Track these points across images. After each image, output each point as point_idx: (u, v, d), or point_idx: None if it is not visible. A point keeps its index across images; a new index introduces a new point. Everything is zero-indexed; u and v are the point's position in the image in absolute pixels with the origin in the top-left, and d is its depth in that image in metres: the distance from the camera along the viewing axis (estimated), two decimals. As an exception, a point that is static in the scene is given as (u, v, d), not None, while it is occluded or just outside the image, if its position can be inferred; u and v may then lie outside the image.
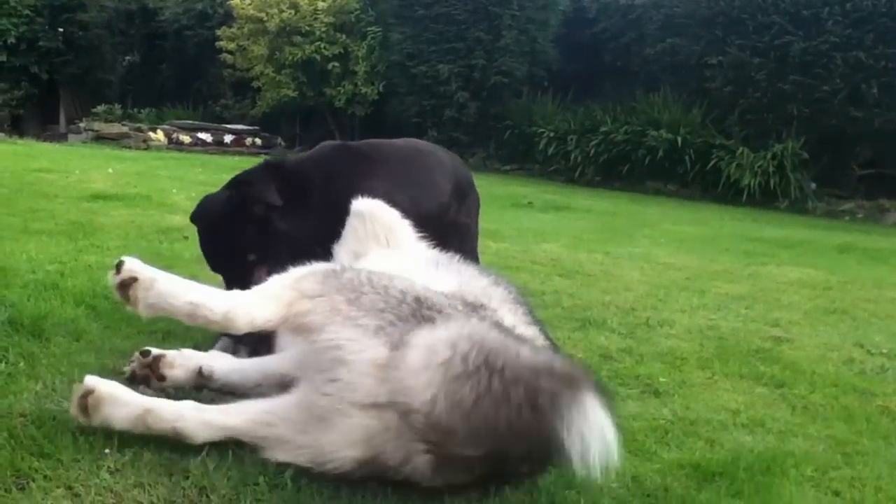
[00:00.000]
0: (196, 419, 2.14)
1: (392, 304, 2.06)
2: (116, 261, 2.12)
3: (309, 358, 2.12)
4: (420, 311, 2.06)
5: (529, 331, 2.28)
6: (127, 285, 2.10)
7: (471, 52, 16.50)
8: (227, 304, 2.13)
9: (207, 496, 1.94)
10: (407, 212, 2.88)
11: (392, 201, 2.87)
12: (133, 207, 6.87)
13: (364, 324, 2.01)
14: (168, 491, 1.94)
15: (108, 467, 2.00)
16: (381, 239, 2.77)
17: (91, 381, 2.17)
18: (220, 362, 2.62)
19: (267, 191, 3.18)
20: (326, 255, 2.81)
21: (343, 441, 1.98)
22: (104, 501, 1.88)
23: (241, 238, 3.15)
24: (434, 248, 2.89)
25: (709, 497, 2.21)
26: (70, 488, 1.91)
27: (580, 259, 6.33)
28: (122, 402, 2.14)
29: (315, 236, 3.04)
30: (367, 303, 2.05)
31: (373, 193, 2.89)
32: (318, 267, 2.25)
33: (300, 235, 3.14)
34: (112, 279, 2.13)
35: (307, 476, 2.03)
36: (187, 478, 2.00)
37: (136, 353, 2.59)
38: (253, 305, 2.13)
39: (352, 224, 2.80)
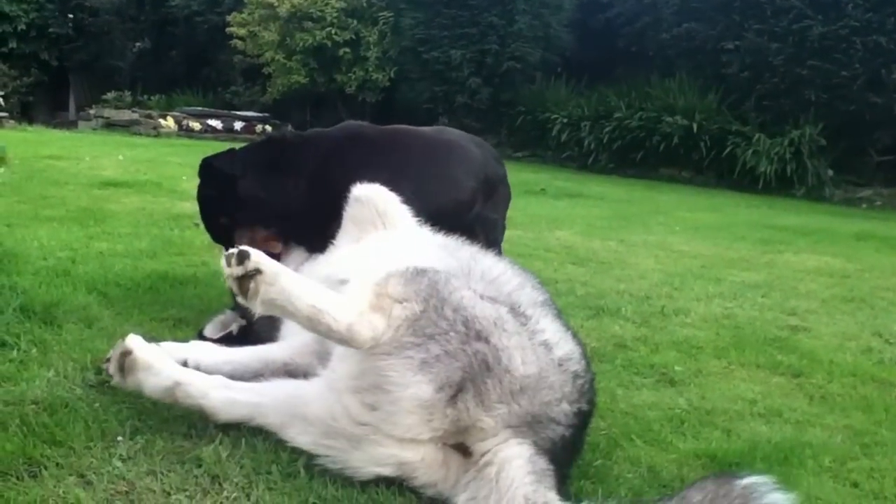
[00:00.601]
0: (222, 397, 2.16)
1: (442, 329, 1.98)
2: (238, 250, 2.01)
3: (347, 360, 2.08)
4: (468, 341, 1.98)
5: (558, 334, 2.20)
6: (249, 277, 1.99)
7: (483, 38, 16.45)
8: (350, 315, 1.98)
9: (220, 484, 1.95)
10: (412, 204, 2.85)
11: (395, 191, 2.84)
12: (144, 194, 6.90)
13: (409, 355, 1.96)
14: (181, 479, 1.95)
15: (121, 455, 2.01)
16: (378, 224, 2.74)
17: (132, 342, 2.22)
18: (207, 355, 2.54)
19: (227, 160, 3.22)
20: (312, 229, 2.93)
21: (372, 462, 1.99)
22: (116, 489, 1.89)
23: (212, 204, 3.23)
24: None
25: (725, 487, 2.19)
26: (82, 476, 1.92)
27: (594, 247, 6.31)
28: (154, 371, 2.19)
29: (301, 210, 3.10)
30: (422, 324, 1.99)
31: (372, 181, 2.86)
32: (403, 267, 2.13)
33: (282, 205, 3.16)
34: (231, 269, 1.99)
35: (321, 466, 2.04)
36: (200, 466, 2.00)
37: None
38: (372, 318, 1.99)
39: (350, 210, 2.78)
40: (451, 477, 1.98)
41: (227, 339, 2.92)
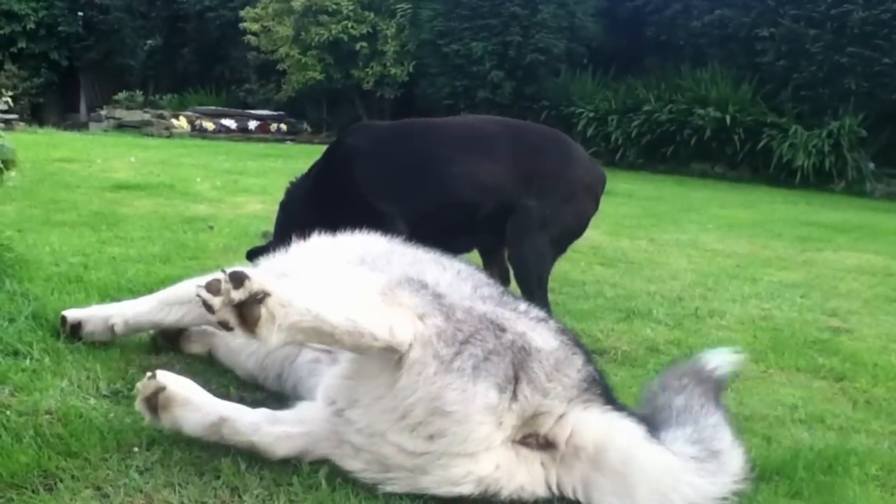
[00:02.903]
0: (275, 433, 2.07)
1: (469, 331, 1.97)
2: (229, 271, 1.76)
3: (370, 390, 2.00)
4: (499, 334, 1.99)
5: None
6: (256, 302, 1.75)
7: (506, 29, 16.41)
8: (386, 318, 1.88)
9: (240, 496, 1.95)
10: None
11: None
12: (156, 197, 6.95)
13: (459, 367, 1.91)
14: (199, 491, 1.95)
15: (137, 466, 2.03)
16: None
17: (164, 377, 2.12)
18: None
19: None
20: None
21: (447, 482, 1.96)
22: (133, 502, 1.90)
23: None
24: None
25: (767, 497, 2.18)
26: (99, 489, 1.93)
27: (623, 246, 6.29)
28: (195, 406, 2.11)
29: None
30: (450, 333, 1.95)
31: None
32: (399, 278, 2.09)
33: None
34: (223, 296, 1.76)
35: (342, 476, 2.04)
36: (218, 477, 2.01)
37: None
38: (405, 319, 1.91)
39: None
40: (536, 472, 1.99)
41: None
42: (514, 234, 3.63)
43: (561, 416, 2.00)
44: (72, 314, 2.86)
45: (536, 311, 2.23)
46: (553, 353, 2.04)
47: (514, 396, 1.94)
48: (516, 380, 1.95)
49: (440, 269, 2.40)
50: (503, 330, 2.01)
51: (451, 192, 3.60)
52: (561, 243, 3.84)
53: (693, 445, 2.03)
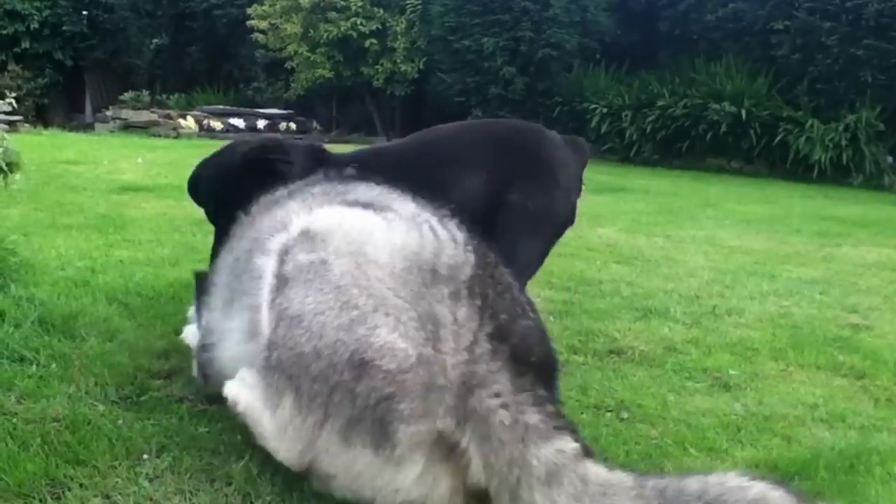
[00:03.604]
0: None
1: (324, 397, 1.85)
2: None
3: None
4: (354, 392, 1.83)
5: None
6: None
7: (517, 24, 16.36)
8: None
9: (252, 503, 1.95)
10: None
11: None
12: (165, 199, 6.96)
13: (324, 443, 1.87)
14: (210, 498, 1.95)
15: (147, 474, 2.02)
16: None
17: None
18: None
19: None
20: None
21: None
22: (143, 510, 1.90)
23: None
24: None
25: (787, 500, 2.16)
26: (107, 497, 1.93)
27: (639, 244, 6.27)
28: None
29: None
30: (304, 408, 1.88)
31: None
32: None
33: None
34: None
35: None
36: (230, 484, 2.01)
37: None
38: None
39: None
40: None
41: None
42: (501, 232, 3.27)
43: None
44: None
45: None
46: (416, 371, 1.83)
47: (393, 442, 1.81)
48: (388, 430, 1.82)
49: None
50: (358, 378, 1.82)
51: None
52: (552, 236, 3.65)
53: None
